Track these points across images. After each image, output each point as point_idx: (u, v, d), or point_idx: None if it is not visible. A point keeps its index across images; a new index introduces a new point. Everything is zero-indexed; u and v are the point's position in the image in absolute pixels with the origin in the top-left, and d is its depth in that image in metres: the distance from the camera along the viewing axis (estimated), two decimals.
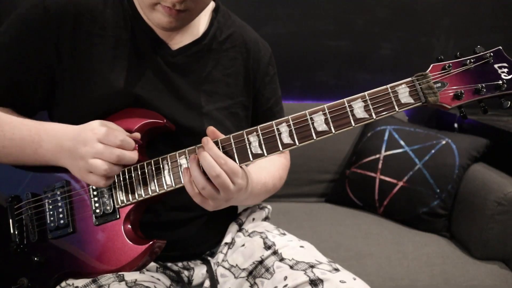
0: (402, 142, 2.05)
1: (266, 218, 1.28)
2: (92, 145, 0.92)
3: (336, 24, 2.47)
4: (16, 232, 1.06)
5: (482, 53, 0.90)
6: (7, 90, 1.05)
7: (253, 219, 1.24)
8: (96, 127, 0.94)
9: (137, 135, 0.99)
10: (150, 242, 0.97)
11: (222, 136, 0.93)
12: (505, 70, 0.88)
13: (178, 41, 1.10)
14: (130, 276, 0.97)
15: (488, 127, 2.09)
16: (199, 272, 1.12)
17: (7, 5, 2.16)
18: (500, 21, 2.49)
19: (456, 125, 2.30)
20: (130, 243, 0.97)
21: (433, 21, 2.50)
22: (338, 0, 2.44)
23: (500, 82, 0.87)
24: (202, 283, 1.11)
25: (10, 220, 1.07)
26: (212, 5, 1.17)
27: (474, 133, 2.07)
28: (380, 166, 2.04)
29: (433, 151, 1.97)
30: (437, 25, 2.50)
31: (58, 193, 1.04)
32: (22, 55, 1.03)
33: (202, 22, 1.14)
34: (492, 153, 1.99)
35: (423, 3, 2.47)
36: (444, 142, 1.99)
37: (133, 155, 0.95)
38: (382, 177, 2.02)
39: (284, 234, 1.18)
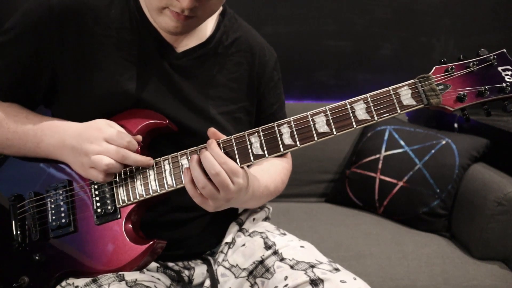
0: (402, 142, 2.05)
1: (266, 218, 1.28)
2: (99, 143, 0.95)
3: (336, 24, 2.47)
4: (18, 231, 1.06)
5: (485, 56, 0.89)
6: (11, 86, 1.07)
7: (254, 219, 1.24)
8: (103, 127, 0.97)
9: (139, 137, 1.00)
10: (151, 242, 0.98)
11: (223, 137, 0.94)
12: (509, 73, 0.87)
13: (184, 44, 1.10)
14: (130, 275, 0.97)
15: (488, 127, 2.09)
16: (199, 271, 1.13)
17: (7, 5, 2.16)
18: (500, 21, 2.49)
19: (456, 125, 2.30)
20: (131, 243, 0.98)
21: (433, 21, 2.50)
22: (338, 0, 2.44)
23: (504, 85, 0.86)
24: (202, 283, 1.12)
25: (13, 219, 1.07)
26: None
27: (474, 133, 2.07)
28: (380, 166, 2.04)
29: (433, 151, 1.97)
30: (437, 25, 2.50)
31: (60, 192, 1.04)
32: (26, 53, 1.04)
33: (208, 26, 1.13)
34: (492, 153, 1.99)
35: (423, 3, 2.47)
36: (444, 142, 1.99)
37: (138, 157, 0.97)
38: (382, 177, 2.02)
39: (284, 234, 1.18)
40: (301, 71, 2.50)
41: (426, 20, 2.49)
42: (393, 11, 2.47)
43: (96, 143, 0.95)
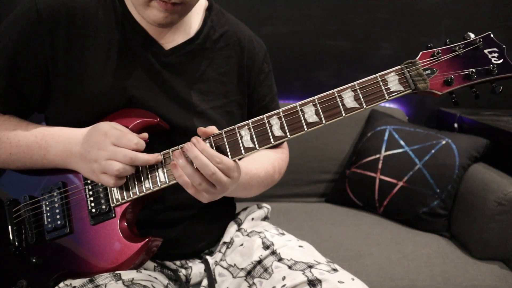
0: (402, 142, 2.05)
1: (265, 218, 1.29)
2: (107, 148, 0.94)
3: (336, 24, 2.47)
4: (15, 235, 1.06)
5: (471, 39, 0.89)
6: (5, 95, 1.06)
7: (252, 219, 1.24)
8: (108, 130, 0.95)
9: (145, 135, 0.99)
10: (146, 240, 0.98)
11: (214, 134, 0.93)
12: (495, 55, 0.88)
13: (171, 40, 1.09)
14: (127, 275, 0.97)
15: (488, 127, 2.08)
16: (197, 271, 1.12)
17: (7, 5, 2.16)
18: (500, 21, 2.49)
19: (456, 125, 2.30)
20: (126, 241, 0.98)
21: (433, 21, 2.49)
22: (338, 0, 2.44)
23: (491, 66, 0.86)
24: (200, 282, 1.11)
25: (9, 224, 1.07)
26: (205, 3, 1.17)
27: (474, 133, 2.07)
28: (380, 166, 2.04)
29: (433, 151, 1.97)
30: (437, 25, 2.50)
31: (55, 194, 1.04)
32: (18, 61, 1.03)
33: (195, 21, 1.13)
34: (492, 153, 1.99)
35: (423, 3, 2.47)
36: (444, 142, 1.98)
37: (147, 157, 0.95)
38: (382, 177, 2.02)
39: (283, 234, 1.18)
40: (301, 71, 2.50)
41: (426, 20, 2.49)
42: (393, 11, 2.47)
43: (104, 148, 0.94)
